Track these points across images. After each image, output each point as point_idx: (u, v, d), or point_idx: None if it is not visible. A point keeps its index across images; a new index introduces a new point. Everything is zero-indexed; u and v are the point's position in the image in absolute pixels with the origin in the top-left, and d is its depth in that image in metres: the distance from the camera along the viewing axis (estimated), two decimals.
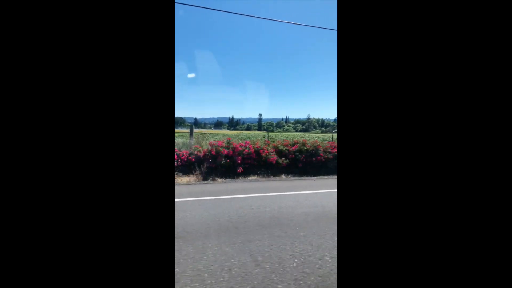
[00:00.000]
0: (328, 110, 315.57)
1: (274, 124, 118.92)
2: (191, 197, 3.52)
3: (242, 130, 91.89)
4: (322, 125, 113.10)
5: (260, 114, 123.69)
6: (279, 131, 77.48)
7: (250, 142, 5.92)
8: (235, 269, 1.71)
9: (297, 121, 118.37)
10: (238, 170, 5.10)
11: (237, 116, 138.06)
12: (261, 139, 8.91)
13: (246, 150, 5.35)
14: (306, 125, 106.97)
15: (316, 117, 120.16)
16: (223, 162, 5.08)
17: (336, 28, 0.90)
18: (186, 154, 5.25)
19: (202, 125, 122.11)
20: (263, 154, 5.42)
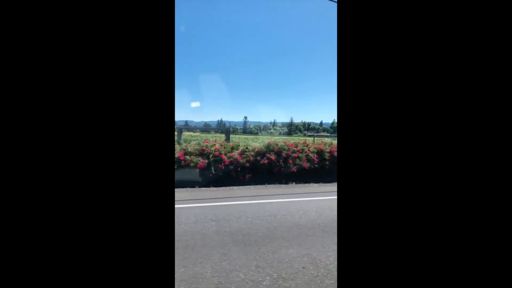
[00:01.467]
0: (316, 114, 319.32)
1: (261, 127, 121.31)
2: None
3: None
4: (308, 128, 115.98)
5: (245, 117, 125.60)
6: (262, 134, 79.67)
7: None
8: None
9: (284, 125, 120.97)
10: None
11: (225, 119, 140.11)
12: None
13: None
14: (289, 128, 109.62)
15: (303, 121, 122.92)
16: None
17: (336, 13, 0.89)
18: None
19: (193, 128, 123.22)
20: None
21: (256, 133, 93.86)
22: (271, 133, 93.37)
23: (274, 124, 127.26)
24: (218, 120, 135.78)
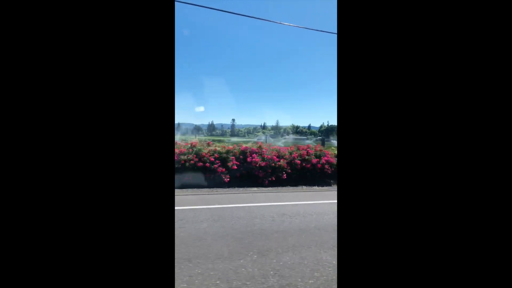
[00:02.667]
0: (304, 118, 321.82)
1: (252, 129, 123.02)
2: None
3: (217, 136, 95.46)
4: (295, 131, 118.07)
5: (233, 119, 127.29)
6: (250, 137, 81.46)
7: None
8: None
9: (273, 128, 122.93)
10: None
11: (216, 122, 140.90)
12: None
13: None
14: (275, 132, 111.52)
15: (293, 124, 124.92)
16: None
17: (336, 32, 0.87)
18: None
19: (185, 130, 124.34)
20: None
21: (244, 136, 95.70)
22: (257, 136, 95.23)
23: (264, 127, 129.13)
24: (209, 123, 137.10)
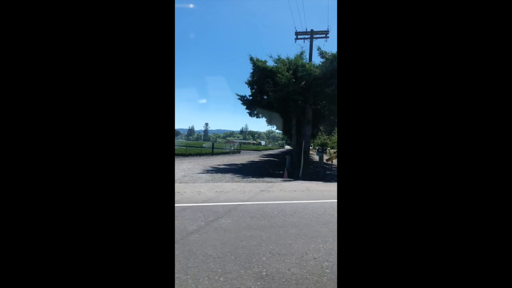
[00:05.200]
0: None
1: (228, 134, 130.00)
2: None
3: (192, 140, 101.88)
4: (269, 137, 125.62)
5: (207, 124, 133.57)
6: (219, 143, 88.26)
7: None
8: None
9: (250, 132, 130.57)
10: None
11: (198, 127, 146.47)
12: None
13: None
14: (243, 136, 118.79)
15: (273, 129, 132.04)
16: None
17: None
18: None
19: None
20: None
21: (214, 141, 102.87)
22: (230, 140, 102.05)
23: (242, 131, 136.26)
24: (189, 127, 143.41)
